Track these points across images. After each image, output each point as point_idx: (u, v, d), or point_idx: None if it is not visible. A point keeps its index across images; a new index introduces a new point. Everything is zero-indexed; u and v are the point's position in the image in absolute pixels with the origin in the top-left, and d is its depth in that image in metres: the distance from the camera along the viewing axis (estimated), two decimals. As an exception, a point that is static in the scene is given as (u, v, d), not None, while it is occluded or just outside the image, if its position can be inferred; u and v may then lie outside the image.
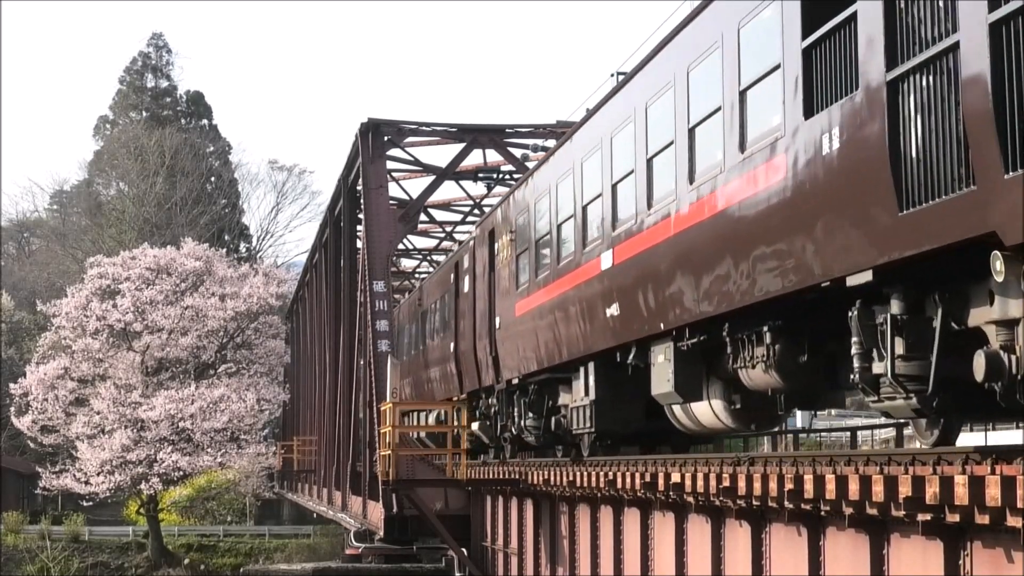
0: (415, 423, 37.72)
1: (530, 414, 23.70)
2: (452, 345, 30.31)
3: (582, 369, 20.35)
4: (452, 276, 30.82)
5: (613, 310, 17.94)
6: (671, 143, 15.68)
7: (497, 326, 25.47)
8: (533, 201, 22.82)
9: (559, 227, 20.97)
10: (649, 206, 16.57)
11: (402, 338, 41.19)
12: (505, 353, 24.96)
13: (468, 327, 28.45)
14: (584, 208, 19.53)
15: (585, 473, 19.31)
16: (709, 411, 16.10)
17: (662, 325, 16.14)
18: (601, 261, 18.45)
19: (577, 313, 19.83)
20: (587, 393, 19.96)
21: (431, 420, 35.70)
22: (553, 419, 22.54)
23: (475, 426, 28.55)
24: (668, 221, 15.80)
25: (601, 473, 18.37)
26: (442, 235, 54.00)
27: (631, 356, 17.69)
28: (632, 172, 17.24)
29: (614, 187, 18.03)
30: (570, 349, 20.46)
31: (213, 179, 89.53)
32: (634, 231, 17.10)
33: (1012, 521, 9.14)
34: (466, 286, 28.85)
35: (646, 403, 18.40)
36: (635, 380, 18.16)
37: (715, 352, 15.42)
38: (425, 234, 54.81)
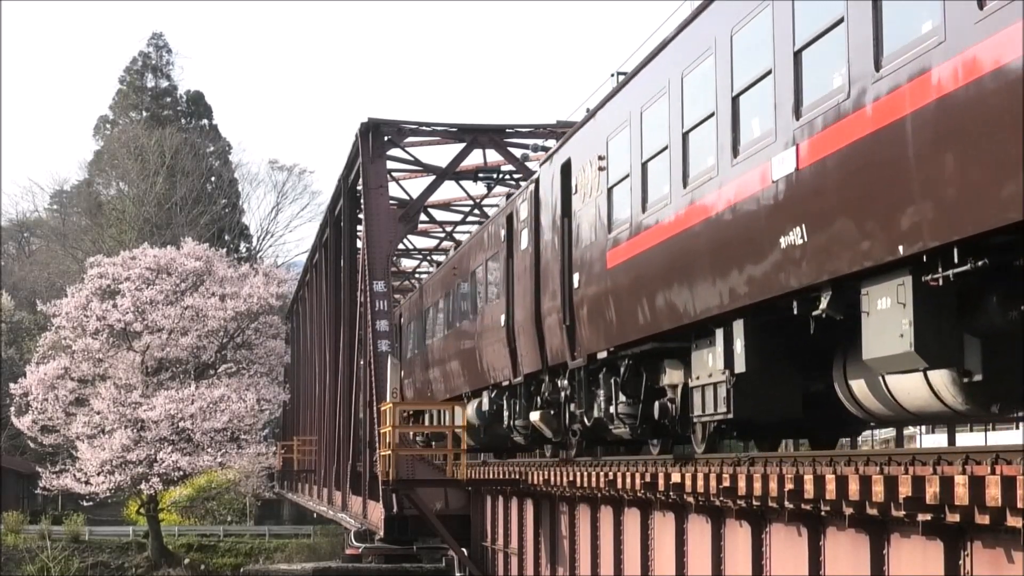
0: (429, 423, 36.64)
1: (623, 397, 18.36)
2: (503, 318, 25.03)
3: (719, 332, 14.78)
4: (503, 232, 25.41)
5: (793, 236, 12.70)
6: None
7: (576, 285, 20.11)
8: (639, 109, 17.35)
9: (687, 134, 15.63)
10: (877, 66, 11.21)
11: (408, 333, 38.77)
12: (587, 320, 19.64)
13: (526, 293, 23.16)
14: (735, 99, 14.21)
15: (585, 473, 19.31)
16: (923, 386, 11.67)
17: (901, 249, 10.85)
18: (772, 167, 13.11)
19: (717, 250, 14.53)
20: (726, 365, 14.60)
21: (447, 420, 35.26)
22: (657, 404, 17.21)
23: (535, 417, 23.00)
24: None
25: (601, 473, 18.38)
26: (442, 235, 54.01)
27: (823, 303, 12.45)
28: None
29: (796, 55, 12.81)
30: (701, 303, 15.08)
31: (213, 179, 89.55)
32: (842, 108, 11.80)
33: (1012, 521, 9.14)
34: (523, 241, 23.55)
35: (811, 380, 14.53)
36: (806, 345, 13.78)
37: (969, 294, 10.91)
38: (425, 234, 54.82)
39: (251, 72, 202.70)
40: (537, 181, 23.05)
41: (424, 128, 41.07)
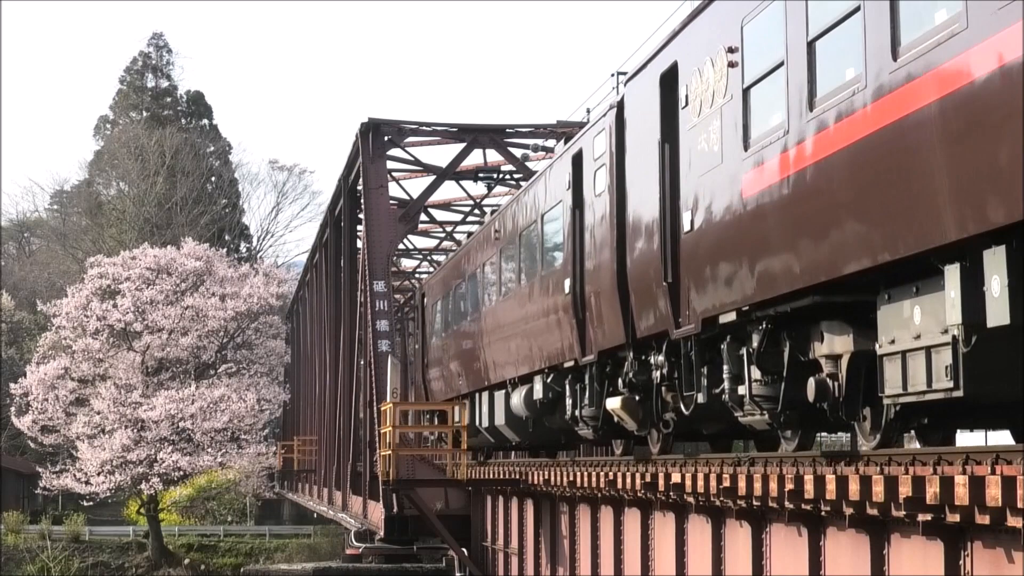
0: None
1: (757, 374, 13.92)
2: (567, 284, 20.42)
3: (952, 270, 10.23)
4: (566, 179, 20.56)
5: None
6: None
7: (686, 228, 15.23)
8: None
9: None
10: None
11: (433, 314, 34.15)
12: (702, 272, 14.85)
13: (603, 248, 18.53)
14: None
15: (585, 473, 19.32)
16: None
17: None
18: None
19: (961, 141, 9.80)
20: (966, 317, 10.06)
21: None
22: (812, 381, 12.78)
23: (613, 404, 18.34)
24: None
25: (601, 473, 18.39)
26: (442, 235, 54.02)
27: None
28: None
29: None
30: (925, 227, 10.36)
31: (213, 179, 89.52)
32: None
33: (1012, 521, 9.14)
34: (598, 184, 19.01)
35: None
36: None
37: None
38: (425, 234, 54.84)
39: (251, 72, 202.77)
40: (620, 105, 18.15)
41: (424, 128, 41.07)
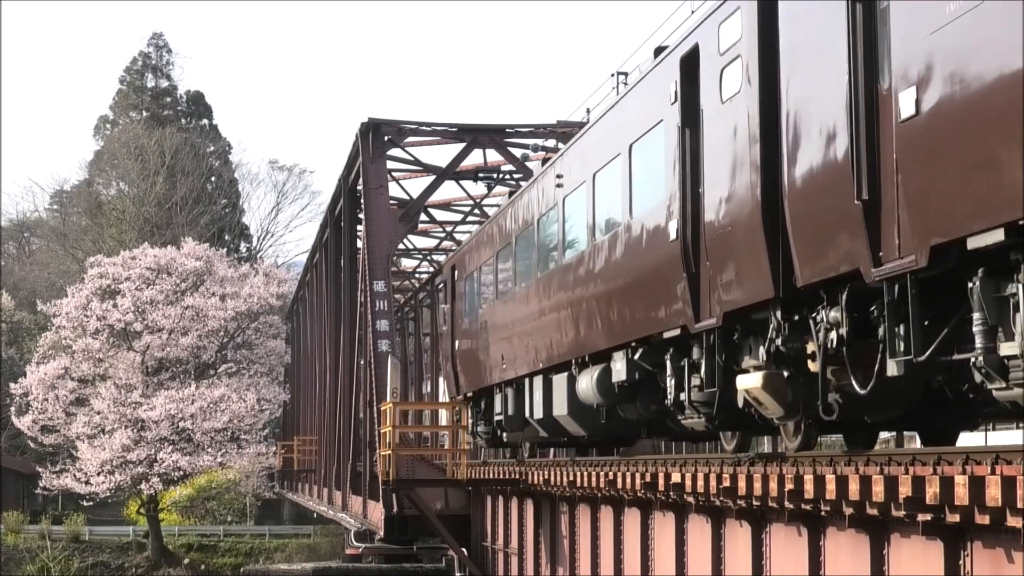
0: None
1: None
2: (673, 227, 15.50)
3: None
4: (671, 90, 15.78)
5: None
6: None
7: (903, 115, 10.60)
8: None
9: None
10: None
11: (466, 291, 29.51)
12: (934, 172, 10.24)
13: (738, 172, 13.82)
14: None
15: (585, 473, 19.32)
16: None
17: None
18: None
19: None
20: None
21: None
22: None
23: (750, 382, 13.67)
24: None
25: (601, 473, 18.39)
26: (442, 235, 54.03)
27: None
28: None
29: None
30: None
31: (213, 179, 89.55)
32: None
33: (1012, 521, 9.15)
34: (728, 85, 14.31)
35: None
36: None
37: None
38: (425, 234, 54.84)
39: (251, 72, 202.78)
40: None
41: (424, 128, 41.08)
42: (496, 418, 26.67)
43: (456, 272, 31.10)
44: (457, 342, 30.58)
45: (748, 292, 13.70)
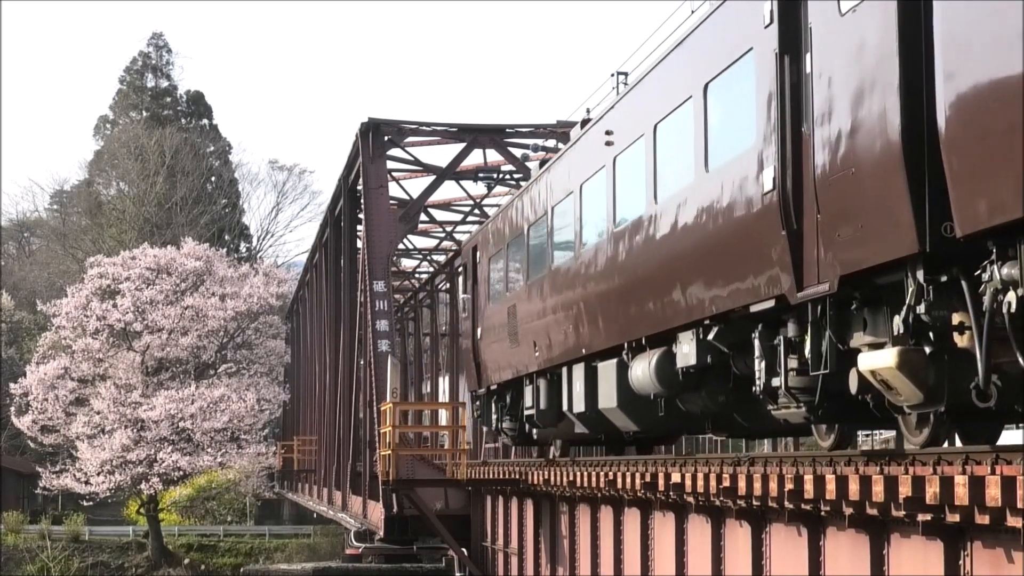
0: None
1: None
2: (770, 175, 12.95)
3: None
4: (767, 7, 13.25)
5: None
6: None
7: None
8: None
9: None
10: None
11: (493, 273, 26.59)
12: None
13: (868, 96, 11.28)
14: None
15: (585, 473, 19.31)
16: None
17: None
18: None
19: None
20: None
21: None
22: None
23: (881, 360, 11.30)
24: None
25: (601, 473, 18.38)
26: (442, 235, 54.04)
27: None
28: None
29: None
30: None
31: (213, 179, 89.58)
32: None
33: (1012, 521, 9.15)
34: None
35: None
36: None
37: None
38: (425, 234, 54.85)
39: (251, 72, 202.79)
40: None
41: (424, 128, 41.09)
42: (526, 412, 23.88)
43: (479, 253, 28.21)
44: (480, 330, 27.69)
45: (878, 248, 11.06)
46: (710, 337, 15.04)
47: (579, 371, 20.31)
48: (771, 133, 12.96)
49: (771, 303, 13.13)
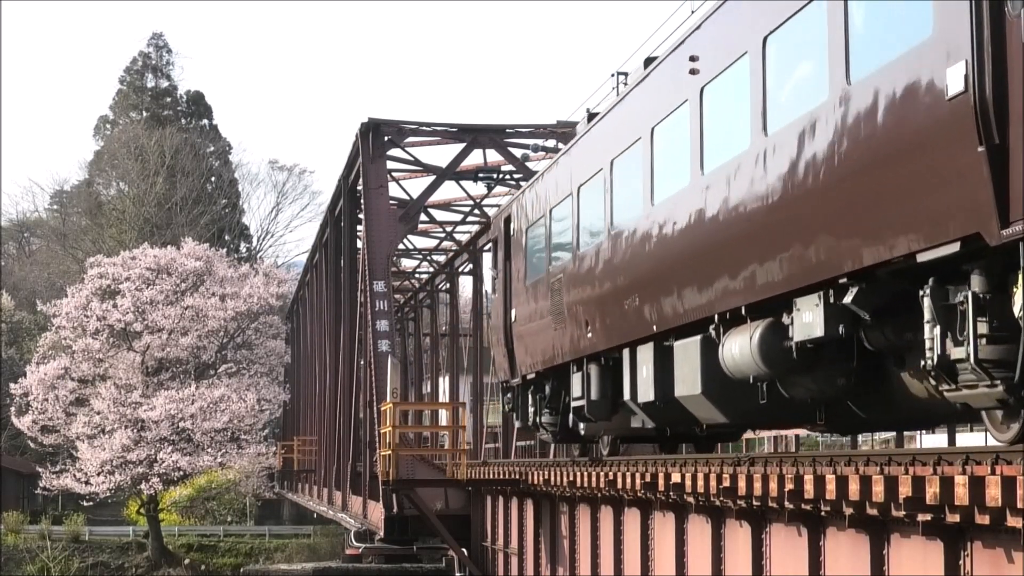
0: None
1: None
2: (959, 72, 9.81)
3: None
4: None
5: None
6: None
7: None
8: None
9: None
10: None
11: (529, 242, 22.99)
12: None
13: None
14: None
15: (585, 473, 19.30)
16: None
17: None
18: None
19: None
20: None
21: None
22: None
23: None
24: None
25: (601, 473, 18.37)
26: (442, 235, 54.05)
27: None
28: None
29: None
30: None
31: (213, 179, 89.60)
32: None
33: (1012, 521, 9.15)
34: None
35: None
36: None
37: None
38: (425, 234, 54.85)
39: (251, 72, 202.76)
40: None
41: (424, 128, 41.08)
42: (574, 404, 20.28)
43: (513, 224, 24.34)
44: (514, 311, 23.99)
45: None
46: (846, 300, 11.83)
47: (646, 353, 17.10)
48: (965, 16, 9.73)
49: (954, 247, 10.00)
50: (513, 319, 24.04)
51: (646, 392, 17.10)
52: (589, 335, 19.43)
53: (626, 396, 17.97)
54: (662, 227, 16.36)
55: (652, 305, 16.68)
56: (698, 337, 15.32)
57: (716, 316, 14.72)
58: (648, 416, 17.86)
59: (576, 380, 20.20)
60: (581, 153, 20.42)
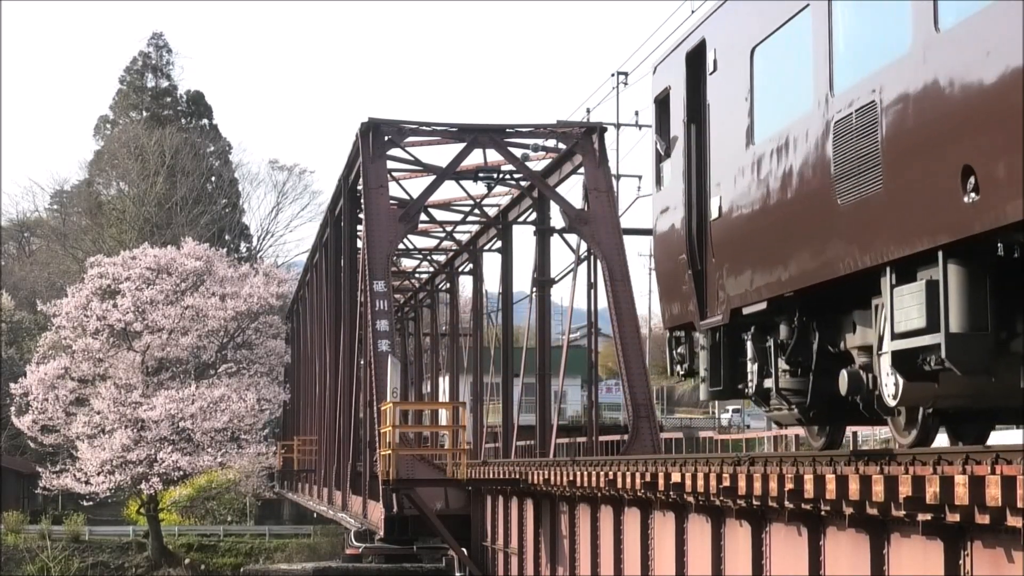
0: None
1: None
2: None
3: None
4: None
5: None
6: None
7: None
8: None
9: None
10: None
11: (726, 117, 14.31)
12: None
13: None
14: None
15: (585, 473, 19.31)
16: None
17: None
18: None
19: None
20: None
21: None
22: None
23: None
24: None
25: (601, 473, 18.38)
26: (442, 235, 54.03)
27: None
28: None
29: None
30: None
31: (213, 179, 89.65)
32: None
33: (1012, 521, 9.14)
34: None
35: None
36: None
37: None
38: (425, 234, 54.81)
39: (251, 72, 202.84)
40: None
41: (424, 128, 41.05)
42: (896, 345, 10.96)
43: (710, 57, 14.98)
44: (718, 199, 14.63)
45: None
46: None
47: None
48: None
49: None
50: (716, 214, 14.67)
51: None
52: (893, 230, 10.85)
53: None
54: None
55: None
56: None
57: None
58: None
59: (909, 297, 10.71)
60: None
